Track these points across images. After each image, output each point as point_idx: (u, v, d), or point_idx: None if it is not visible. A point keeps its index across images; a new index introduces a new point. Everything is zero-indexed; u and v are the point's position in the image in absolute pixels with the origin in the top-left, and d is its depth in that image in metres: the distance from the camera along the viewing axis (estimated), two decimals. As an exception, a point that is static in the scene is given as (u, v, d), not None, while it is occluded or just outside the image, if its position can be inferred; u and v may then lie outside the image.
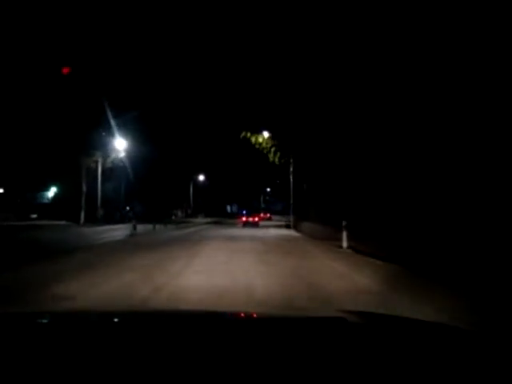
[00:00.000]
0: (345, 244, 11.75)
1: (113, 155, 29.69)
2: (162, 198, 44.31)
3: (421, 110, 8.71)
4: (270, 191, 72.69)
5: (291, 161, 24.34)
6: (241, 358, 1.00)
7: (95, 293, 5.41)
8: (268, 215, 53.55)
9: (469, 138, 7.09)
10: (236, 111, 26.83)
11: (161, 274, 7.03)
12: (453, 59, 7.55)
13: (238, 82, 23.82)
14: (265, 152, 23.26)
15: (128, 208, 40.39)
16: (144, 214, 32.60)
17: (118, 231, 18.83)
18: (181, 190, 50.90)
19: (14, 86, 24.36)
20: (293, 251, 11.43)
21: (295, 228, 25.24)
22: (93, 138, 27.56)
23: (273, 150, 22.96)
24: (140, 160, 32.95)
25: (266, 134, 23.80)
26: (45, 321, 1.56)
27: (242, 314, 1.87)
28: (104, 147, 28.85)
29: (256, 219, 33.13)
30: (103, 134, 27.37)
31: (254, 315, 1.87)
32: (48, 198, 39.51)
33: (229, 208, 70.48)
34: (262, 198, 72.43)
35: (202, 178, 57.00)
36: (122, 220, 29.29)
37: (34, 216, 33.77)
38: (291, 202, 28.12)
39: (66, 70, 23.53)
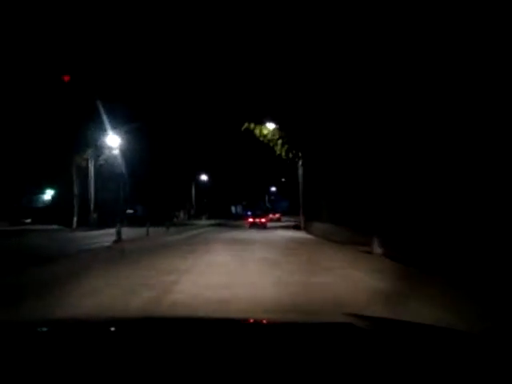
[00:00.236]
0: (378, 250, 9.35)
1: (106, 152, 27.45)
2: (164, 200, 42.40)
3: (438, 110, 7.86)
4: (276, 190, 70.26)
5: (300, 154, 21.82)
6: (250, 364, 1.00)
7: None
8: (277, 215, 48.77)
9: (469, 137, 6.83)
10: (238, 101, 24.40)
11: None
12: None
13: (240, 66, 21.38)
14: (271, 145, 20.92)
15: (132, 211, 38.54)
16: (146, 216, 30.46)
17: (108, 237, 16.69)
18: (183, 191, 49.08)
19: (6, 88, 23.02)
20: (315, 260, 9.12)
21: (305, 229, 22.89)
22: (84, 134, 25.62)
23: (280, 142, 20.60)
24: (139, 160, 31.33)
25: (270, 126, 21.52)
26: (40, 329, 1.53)
27: (251, 320, 1.82)
28: (95, 144, 26.73)
29: (263, 220, 30.50)
30: (92, 129, 25.23)
31: (264, 321, 1.83)
32: (44, 202, 37.63)
33: (233, 209, 68.39)
34: (266, 198, 70.26)
35: (204, 177, 55.14)
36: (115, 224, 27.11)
37: (28, 221, 32.31)
38: (300, 201, 25.68)
39: (67, 78, 23.47)
